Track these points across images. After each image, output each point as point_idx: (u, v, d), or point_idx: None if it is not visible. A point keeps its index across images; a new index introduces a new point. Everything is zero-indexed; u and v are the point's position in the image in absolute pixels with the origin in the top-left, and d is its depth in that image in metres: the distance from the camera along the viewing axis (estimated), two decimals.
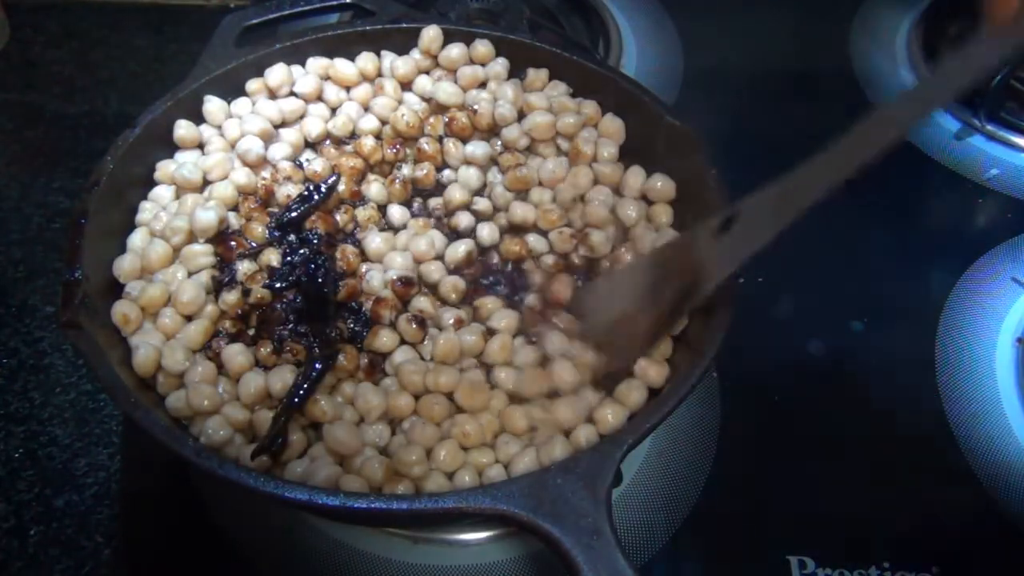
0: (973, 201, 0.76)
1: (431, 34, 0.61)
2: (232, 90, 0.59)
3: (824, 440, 0.61)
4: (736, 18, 0.91)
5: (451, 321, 0.51)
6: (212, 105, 0.58)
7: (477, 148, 0.58)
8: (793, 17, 0.92)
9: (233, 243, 0.52)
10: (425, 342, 0.50)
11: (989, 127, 0.79)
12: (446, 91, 0.60)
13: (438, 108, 0.61)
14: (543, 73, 0.61)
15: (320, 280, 0.50)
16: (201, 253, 0.52)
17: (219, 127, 0.58)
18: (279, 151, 0.57)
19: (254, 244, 0.53)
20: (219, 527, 0.55)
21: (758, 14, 0.91)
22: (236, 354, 0.48)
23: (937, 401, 0.62)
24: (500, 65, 0.61)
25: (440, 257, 0.54)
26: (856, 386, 0.63)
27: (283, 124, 0.60)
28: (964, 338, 0.65)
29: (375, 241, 0.54)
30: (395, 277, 0.51)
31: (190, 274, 0.52)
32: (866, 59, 0.87)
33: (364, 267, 0.53)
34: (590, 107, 0.60)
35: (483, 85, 0.61)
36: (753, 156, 0.74)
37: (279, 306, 0.51)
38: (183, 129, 0.57)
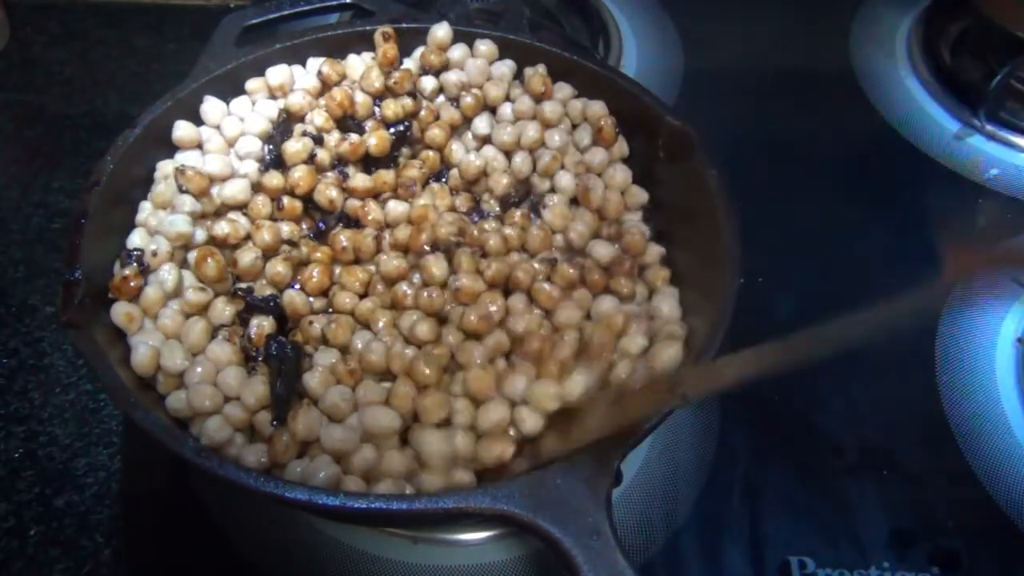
0: (973, 201, 0.76)
1: (440, 34, 0.61)
2: (232, 90, 0.59)
3: (824, 440, 0.61)
4: (736, 18, 0.91)
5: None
6: (209, 105, 0.58)
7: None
8: (793, 17, 0.92)
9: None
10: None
11: (989, 127, 0.79)
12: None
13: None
14: (541, 68, 0.61)
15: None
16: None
17: (217, 127, 0.58)
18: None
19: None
20: (219, 527, 0.55)
21: (758, 14, 0.91)
22: (220, 350, 0.49)
23: (937, 401, 0.62)
24: (506, 67, 0.62)
25: None
26: (856, 386, 0.63)
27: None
28: (964, 338, 0.65)
29: None
30: None
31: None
32: (866, 59, 0.87)
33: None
34: (597, 107, 0.60)
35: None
36: (754, 156, 0.75)
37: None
38: (181, 130, 0.56)
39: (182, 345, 0.48)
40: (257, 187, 0.56)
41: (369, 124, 0.60)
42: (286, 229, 0.55)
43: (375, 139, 0.58)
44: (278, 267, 0.53)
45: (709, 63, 0.86)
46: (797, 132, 0.80)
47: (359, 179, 0.58)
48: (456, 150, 0.60)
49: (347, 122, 0.60)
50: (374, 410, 0.46)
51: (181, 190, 0.54)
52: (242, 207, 0.55)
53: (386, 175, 0.58)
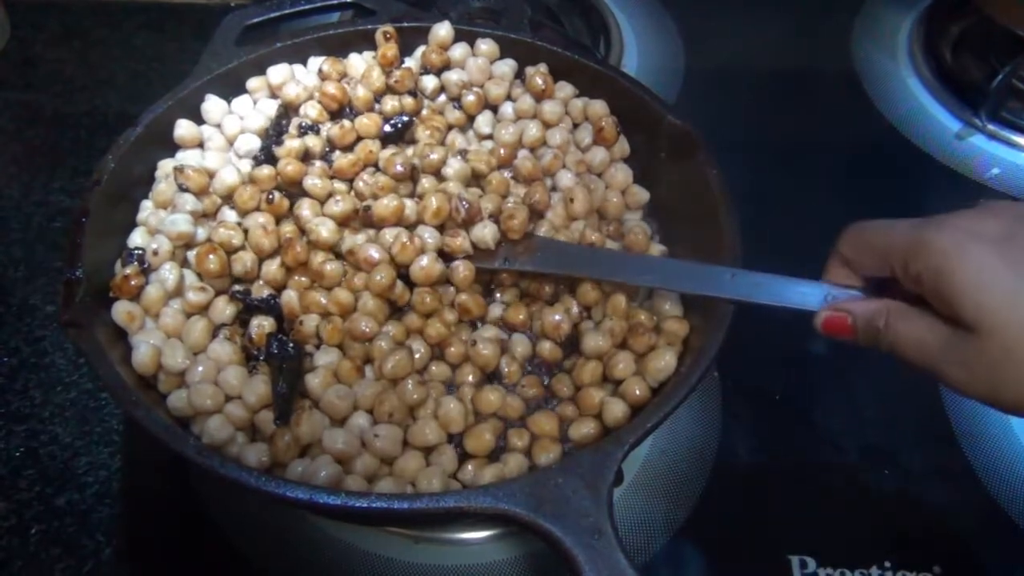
0: (974, 201, 0.75)
1: (441, 33, 0.61)
2: (233, 89, 0.59)
3: (825, 439, 0.61)
4: (737, 17, 0.91)
5: None
6: (211, 104, 0.58)
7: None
8: (794, 16, 0.92)
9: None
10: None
11: (990, 127, 0.79)
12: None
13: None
14: (542, 67, 0.61)
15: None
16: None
17: (218, 125, 0.58)
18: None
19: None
20: (220, 526, 0.55)
21: (760, 13, 0.91)
22: (221, 349, 0.49)
23: (938, 400, 0.62)
24: (507, 66, 0.61)
25: None
26: (857, 385, 0.63)
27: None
28: None
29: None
30: None
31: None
32: (867, 58, 0.87)
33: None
34: (599, 106, 0.60)
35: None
36: (755, 156, 0.75)
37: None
38: (183, 129, 0.57)
39: (183, 344, 0.49)
40: (249, 180, 0.56)
41: (365, 115, 0.59)
42: (288, 229, 0.54)
43: (367, 119, 0.58)
44: (273, 268, 0.53)
45: (710, 62, 0.86)
46: (798, 131, 0.80)
47: (341, 159, 0.56)
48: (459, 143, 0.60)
49: (344, 114, 0.60)
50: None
51: (181, 189, 0.54)
52: (231, 193, 0.54)
53: (372, 144, 0.57)
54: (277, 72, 0.59)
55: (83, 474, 0.58)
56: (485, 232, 0.52)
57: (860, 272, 0.44)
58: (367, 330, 0.50)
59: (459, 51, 0.61)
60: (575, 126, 0.60)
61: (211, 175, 0.55)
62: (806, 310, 0.45)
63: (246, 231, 0.53)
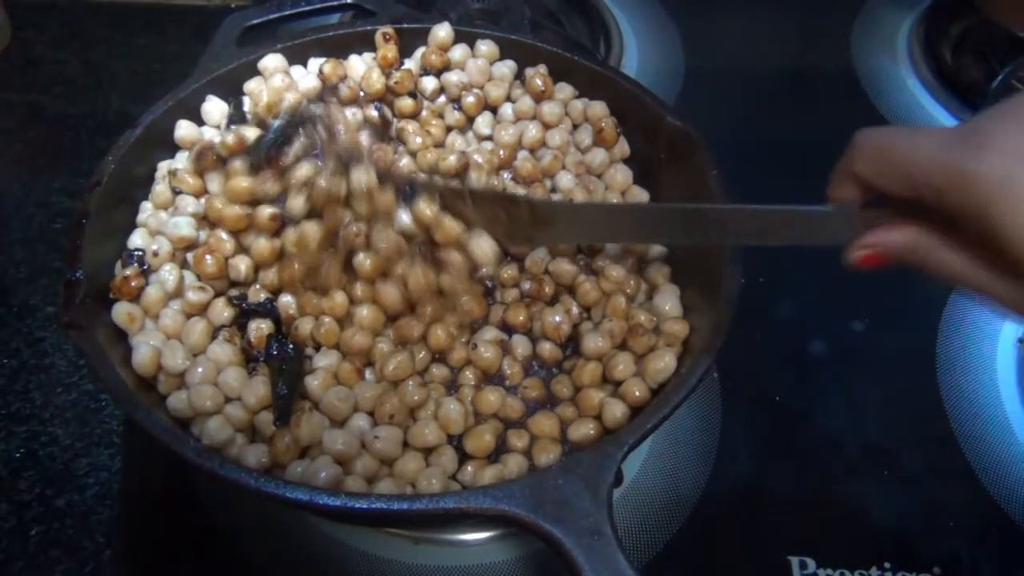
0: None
1: (441, 35, 0.61)
2: (233, 90, 0.59)
3: (824, 440, 0.61)
4: (738, 18, 0.91)
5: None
6: (211, 105, 0.58)
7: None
8: (795, 17, 0.92)
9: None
10: None
11: None
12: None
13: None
14: (542, 68, 0.61)
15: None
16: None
17: (218, 126, 0.58)
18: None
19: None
20: (220, 527, 0.55)
21: (760, 14, 0.91)
22: (220, 351, 0.49)
23: (938, 400, 0.62)
24: (507, 67, 0.62)
25: None
26: (857, 386, 0.63)
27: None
28: (965, 338, 0.65)
29: None
30: None
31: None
32: (867, 59, 0.87)
33: None
34: (598, 107, 0.60)
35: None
36: (755, 157, 0.74)
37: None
38: (183, 129, 0.57)
39: (183, 345, 0.49)
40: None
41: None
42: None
43: None
44: (270, 273, 0.53)
45: (710, 63, 0.86)
46: (798, 132, 0.79)
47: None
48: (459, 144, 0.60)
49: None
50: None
51: (174, 192, 0.53)
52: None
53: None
54: (276, 73, 0.59)
55: (83, 475, 0.58)
56: (483, 244, 0.51)
57: (877, 190, 0.40)
58: (363, 343, 0.50)
59: (459, 52, 0.61)
60: (575, 127, 0.60)
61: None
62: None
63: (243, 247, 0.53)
